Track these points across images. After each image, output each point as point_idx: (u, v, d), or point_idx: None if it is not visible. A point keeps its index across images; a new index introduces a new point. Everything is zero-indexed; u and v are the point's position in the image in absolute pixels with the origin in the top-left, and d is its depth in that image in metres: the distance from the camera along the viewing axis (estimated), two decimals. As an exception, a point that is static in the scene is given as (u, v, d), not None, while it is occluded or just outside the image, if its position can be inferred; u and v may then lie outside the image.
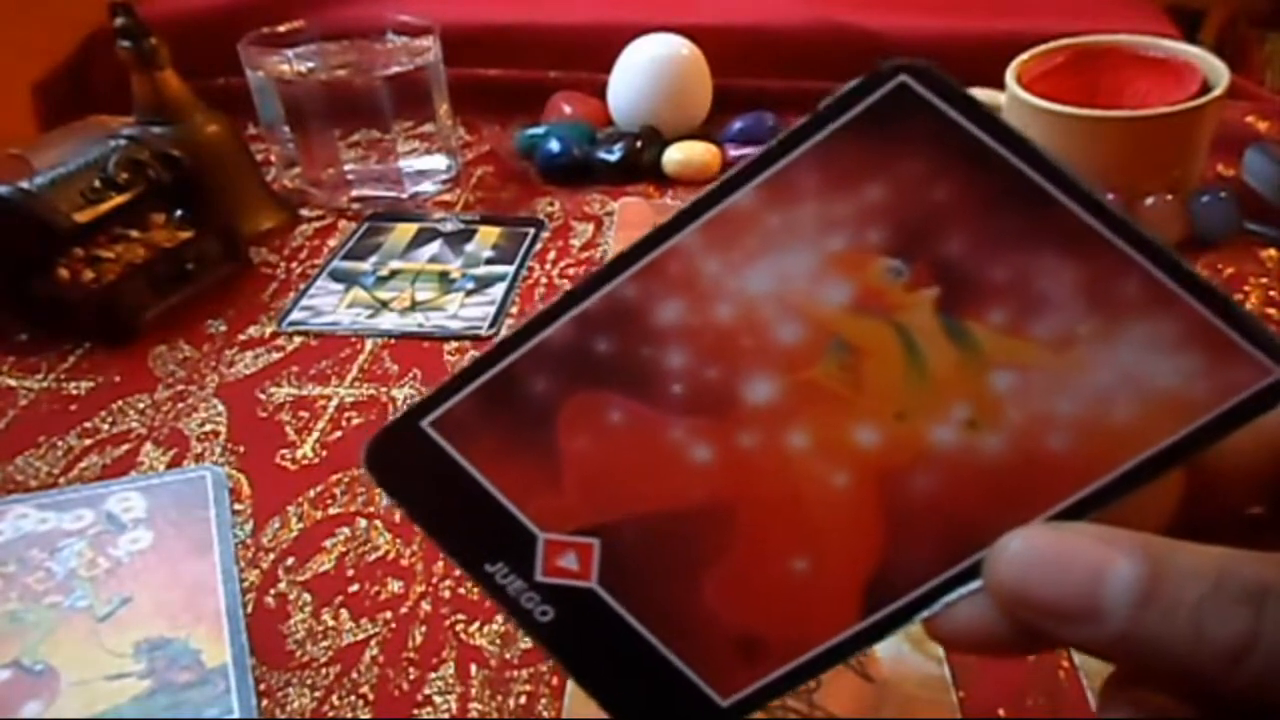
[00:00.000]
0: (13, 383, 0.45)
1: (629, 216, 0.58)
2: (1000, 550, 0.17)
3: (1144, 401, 0.17)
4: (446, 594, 0.34)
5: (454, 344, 0.47)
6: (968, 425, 0.18)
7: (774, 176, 0.19)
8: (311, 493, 0.38)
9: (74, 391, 0.44)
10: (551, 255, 0.55)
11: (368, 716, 0.30)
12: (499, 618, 0.33)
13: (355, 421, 0.42)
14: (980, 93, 0.58)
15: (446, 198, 0.62)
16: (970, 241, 0.18)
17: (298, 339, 0.48)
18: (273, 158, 0.63)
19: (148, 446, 0.41)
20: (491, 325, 0.48)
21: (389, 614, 0.33)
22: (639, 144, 0.62)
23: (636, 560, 0.19)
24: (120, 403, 0.43)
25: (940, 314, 0.18)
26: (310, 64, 0.59)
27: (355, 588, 0.34)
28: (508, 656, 0.31)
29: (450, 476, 0.19)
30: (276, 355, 0.47)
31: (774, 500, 0.19)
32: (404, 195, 0.61)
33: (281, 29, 0.60)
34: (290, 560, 0.35)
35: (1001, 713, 0.29)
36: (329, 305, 0.50)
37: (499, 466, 0.19)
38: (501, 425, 0.19)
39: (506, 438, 0.19)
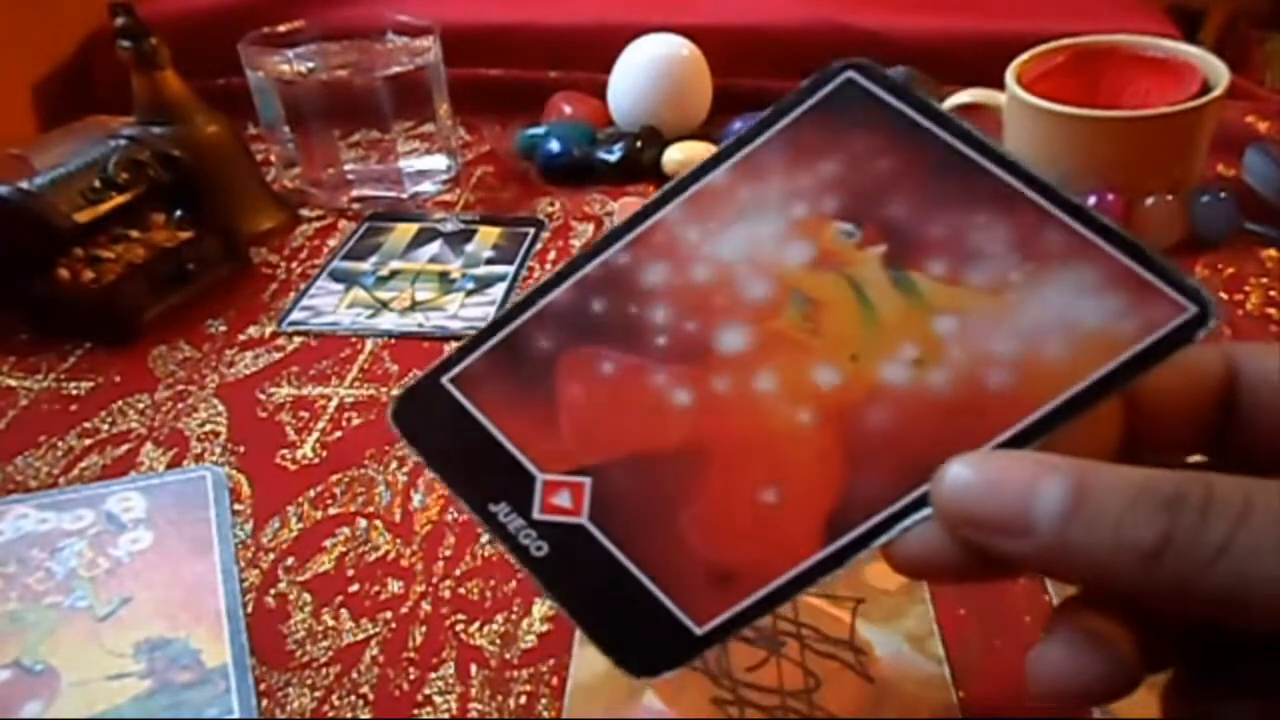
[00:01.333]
0: (13, 383, 0.45)
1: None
2: (943, 474, 0.18)
3: (1073, 340, 0.19)
4: (446, 594, 0.34)
5: (454, 344, 0.47)
6: (915, 364, 0.20)
7: (744, 158, 0.22)
8: (311, 493, 0.38)
9: (74, 391, 0.44)
10: (551, 255, 0.55)
11: (368, 716, 0.30)
12: (499, 617, 0.33)
13: (355, 421, 0.42)
14: (980, 93, 0.58)
15: (446, 198, 0.62)
16: (911, 205, 0.21)
17: (298, 339, 0.48)
18: (273, 158, 0.63)
19: (148, 446, 0.41)
20: (491, 325, 0.48)
21: (389, 614, 0.33)
22: (639, 144, 0.62)
23: (623, 497, 0.21)
24: (120, 403, 0.43)
25: (887, 268, 0.21)
26: (310, 64, 0.59)
27: (355, 588, 0.34)
28: (508, 656, 0.31)
29: (464, 426, 0.22)
30: (276, 355, 0.47)
31: (745, 438, 0.21)
32: (404, 195, 0.61)
33: (281, 29, 0.60)
34: (290, 560, 0.35)
35: (1001, 713, 0.29)
36: (329, 305, 0.50)
37: (506, 415, 0.22)
38: (509, 379, 0.22)
39: (513, 390, 0.22)
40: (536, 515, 0.21)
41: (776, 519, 0.20)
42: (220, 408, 0.43)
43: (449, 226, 0.58)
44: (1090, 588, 0.19)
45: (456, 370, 0.22)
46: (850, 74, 0.22)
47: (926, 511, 0.19)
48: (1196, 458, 0.22)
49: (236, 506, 0.37)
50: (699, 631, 0.20)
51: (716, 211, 0.22)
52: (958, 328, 0.20)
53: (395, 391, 0.21)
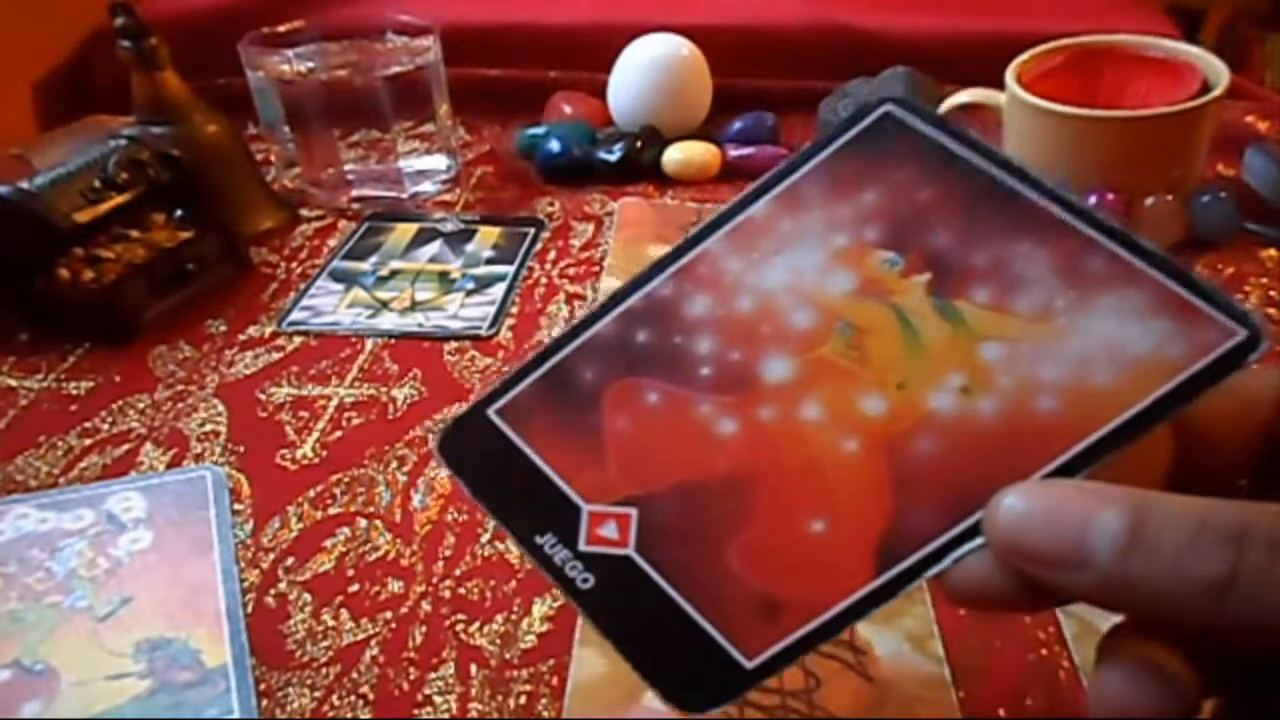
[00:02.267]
0: (13, 383, 0.45)
1: (629, 216, 0.58)
2: (996, 505, 0.18)
3: (1121, 366, 0.19)
4: (446, 594, 0.34)
5: (454, 344, 0.47)
6: (962, 392, 0.20)
7: (785, 190, 0.23)
8: (311, 493, 0.38)
9: (74, 391, 0.44)
10: (551, 255, 0.55)
11: (368, 716, 0.30)
12: (499, 617, 0.33)
13: (355, 421, 0.42)
14: (980, 93, 0.58)
15: (446, 198, 0.62)
16: (953, 234, 0.21)
17: (298, 339, 0.48)
18: (273, 158, 0.63)
19: (148, 446, 0.41)
20: (491, 325, 0.48)
21: (389, 614, 0.33)
22: (639, 144, 0.62)
23: (670, 528, 0.21)
24: (120, 403, 0.43)
25: (931, 295, 0.21)
26: (310, 64, 0.59)
27: (355, 588, 0.34)
28: (508, 656, 0.31)
29: (509, 458, 0.22)
30: (276, 355, 0.47)
31: (792, 468, 0.20)
32: (404, 195, 0.61)
33: (281, 29, 0.60)
34: (290, 560, 0.35)
35: (1001, 713, 0.29)
36: (329, 305, 0.50)
37: (552, 446, 0.22)
38: (555, 410, 0.22)
39: (559, 421, 0.22)
40: (583, 547, 0.21)
41: (826, 550, 0.20)
42: (220, 408, 0.43)
43: (449, 226, 0.58)
44: (1150, 620, 0.18)
45: (502, 402, 0.22)
46: (889, 108, 0.22)
47: (978, 541, 0.18)
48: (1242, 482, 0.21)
49: (236, 506, 0.38)
50: (749, 665, 0.19)
51: (758, 242, 0.22)
52: (1004, 355, 0.20)
53: (441, 424, 0.21)
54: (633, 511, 0.21)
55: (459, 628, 0.33)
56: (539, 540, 0.21)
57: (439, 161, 0.62)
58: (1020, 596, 0.18)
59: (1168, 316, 0.19)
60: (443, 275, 0.53)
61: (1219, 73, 0.52)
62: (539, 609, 0.33)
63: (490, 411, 0.22)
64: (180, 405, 0.43)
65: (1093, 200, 0.51)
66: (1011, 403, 0.19)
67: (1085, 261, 0.20)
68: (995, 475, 0.18)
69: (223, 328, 0.49)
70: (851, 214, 0.22)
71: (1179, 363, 0.18)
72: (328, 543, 0.36)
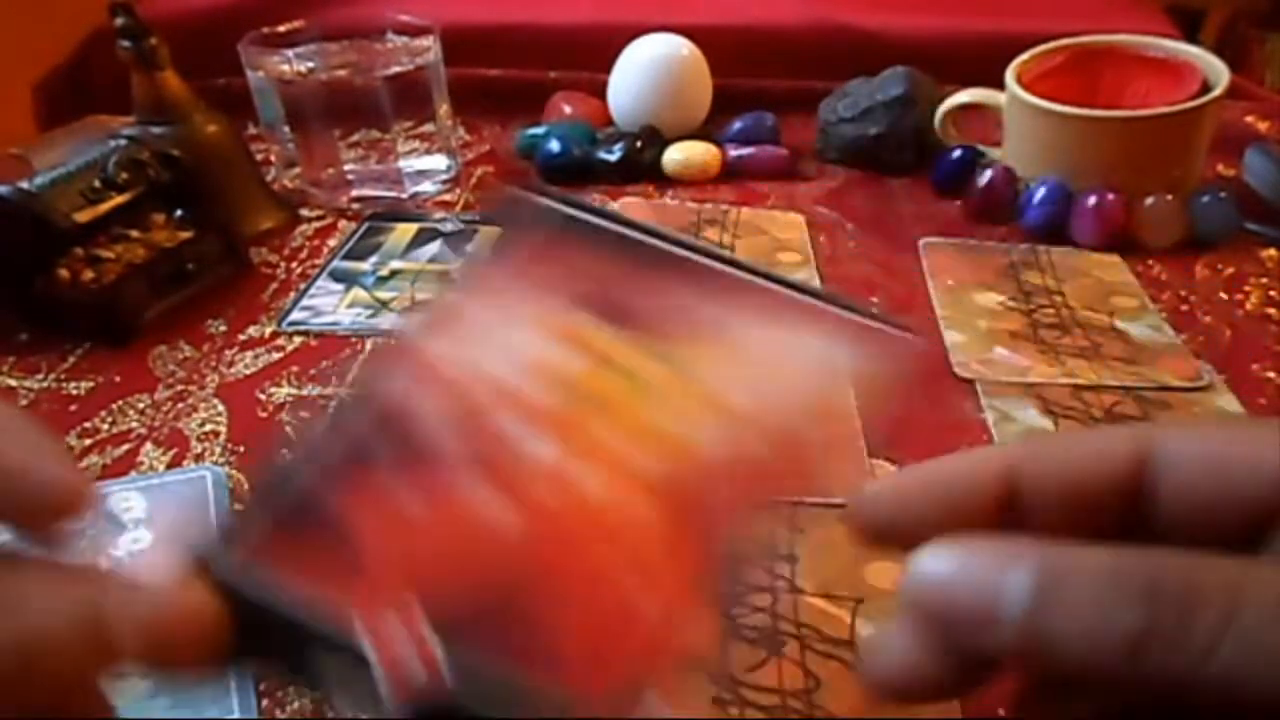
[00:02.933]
0: (13, 383, 0.45)
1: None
2: (914, 564, 0.18)
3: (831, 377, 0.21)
4: None
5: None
6: (716, 424, 0.21)
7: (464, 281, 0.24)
8: (311, 493, 0.38)
9: (74, 391, 0.44)
10: (551, 255, 0.55)
11: (368, 717, 0.30)
12: (499, 618, 0.33)
13: (355, 421, 0.42)
14: (980, 93, 0.58)
15: (446, 198, 0.62)
16: (634, 292, 0.22)
17: (298, 339, 0.48)
18: (273, 158, 0.63)
19: (148, 446, 0.41)
20: (491, 325, 0.48)
21: (389, 614, 0.33)
22: (639, 144, 0.62)
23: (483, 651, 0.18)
24: (120, 403, 0.43)
25: (640, 346, 0.22)
26: (310, 64, 0.59)
27: (355, 588, 0.34)
28: (508, 656, 0.31)
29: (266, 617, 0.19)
30: (276, 355, 0.47)
31: (591, 543, 0.19)
32: (404, 195, 0.61)
33: (281, 29, 0.60)
34: (290, 560, 0.35)
35: (1001, 713, 0.29)
36: (329, 305, 0.50)
37: (301, 580, 0.19)
38: (294, 541, 0.19)
39: (301, 551, 0.19)
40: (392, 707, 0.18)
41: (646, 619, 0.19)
42: (220, 408, 0.43)
43: (449, 226, 0.58)
44: (1065, 677, 0.18)
45: (231, 559, 0.20)
46: (512, 191, 0.25)
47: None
48: None
49: (237, 506, 0.37)
50: None
51: (462, 332, 0.22)
52: (722, 378, 0.21)
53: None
54: (439, 651, 0.18)
55: (459, 628, 0.32)
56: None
57: (439, 161, 0.62)
58: (945, 677, 0.18)
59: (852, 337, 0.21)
60: (443, 276, 0.53)
61: (1219, 73, 0.52)
62: (539, 609, 0.33)
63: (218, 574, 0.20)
64: (180, 405, 0.43)
65: (1092, 200, 0.51)
66: (757, 422, 0.20)
67: (748, 299, 0.22)
68: (773, 486, 0.20)
69: (223, 328, 0.49)
70: (537, 290, 0.22)
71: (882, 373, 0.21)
72: (328, 543, 0.36)
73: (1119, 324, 0.47)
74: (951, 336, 0.46)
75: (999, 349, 0.45)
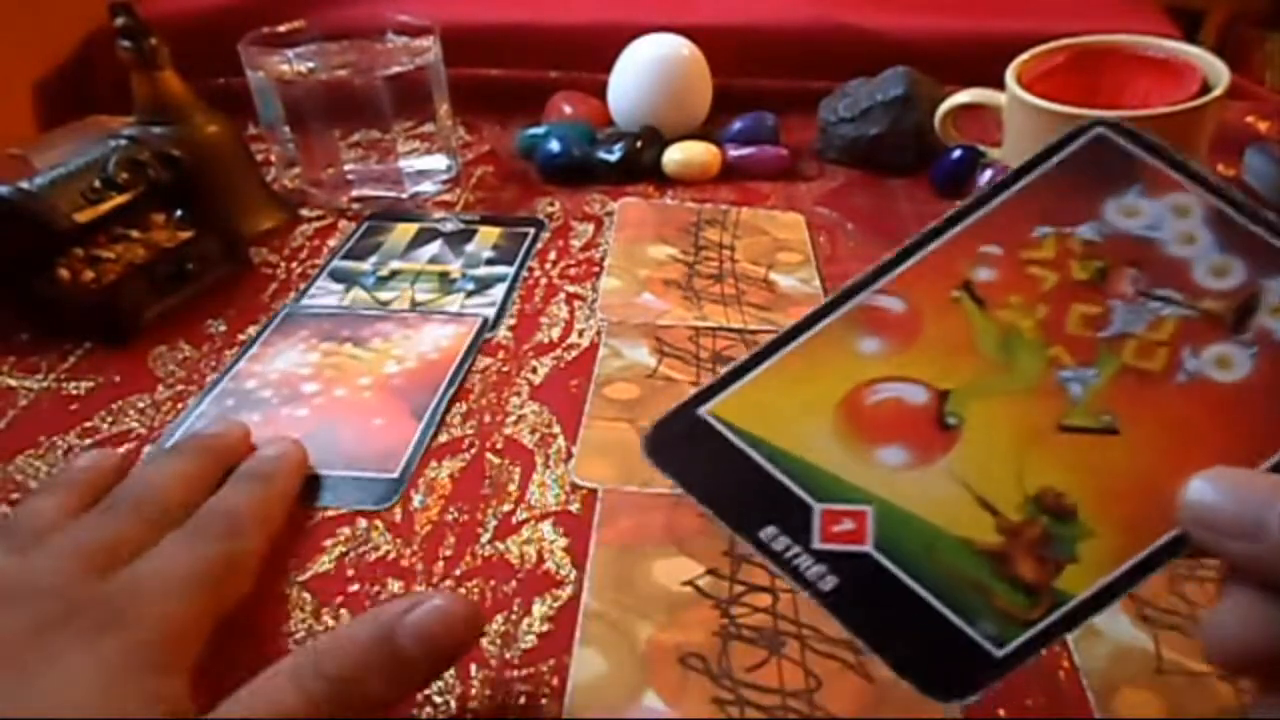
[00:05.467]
0: (13, 383, 0.45)
1: (629, 217, 0.58)
2: (1189, 483, 0.20)
3: None
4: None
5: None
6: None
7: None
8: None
9: (74, 391, 0.44)
10: (552, 255, 0.55)
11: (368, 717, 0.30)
12: (499, 617, 0.33)
13: (355, 421, 0.42)
14: (980, 93, 0.58)
15: (446, 198, 0.62)
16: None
17: (298, 339, 0.48)
18: (273, 158, 0.63)
19: (148, 447, 0.41)
20: (492, 326, 0.48)
21: (389, 614, 0.33)
22: (639, 144, 0.62)
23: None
24: (120, 403, 0.43)
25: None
26: (310, 64, 0.59)
27: (355, 588, 0.34)
28: (508, 656, 0.31)
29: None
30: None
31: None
32: (404, 195, 0.61)
33: (281, 29, 0.60)
34: (290, 560, 0.35)
35: (1001, 713, 0.29)
36: (329, 305, 0.50)
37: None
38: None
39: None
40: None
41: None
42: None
43: (449, 226, 0.58)
44: None
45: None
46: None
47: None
48: None
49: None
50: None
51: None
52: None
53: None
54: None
55: (459, 628, 0.33)
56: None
57: (439, 161, 0.62)
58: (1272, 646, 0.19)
59: None
60: (443, 275, 0.53)
61: (1219, 73, 0.52)
62: (539, 609, 0.33)
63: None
64: (180, 405, 0.43)
65: None
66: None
67: None
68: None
69: (223, 328, 0.49)
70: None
71: None
72: (328, 543, 0.36)
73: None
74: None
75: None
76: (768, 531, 0.21)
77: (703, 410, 0.23)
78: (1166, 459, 0.21)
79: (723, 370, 0.23)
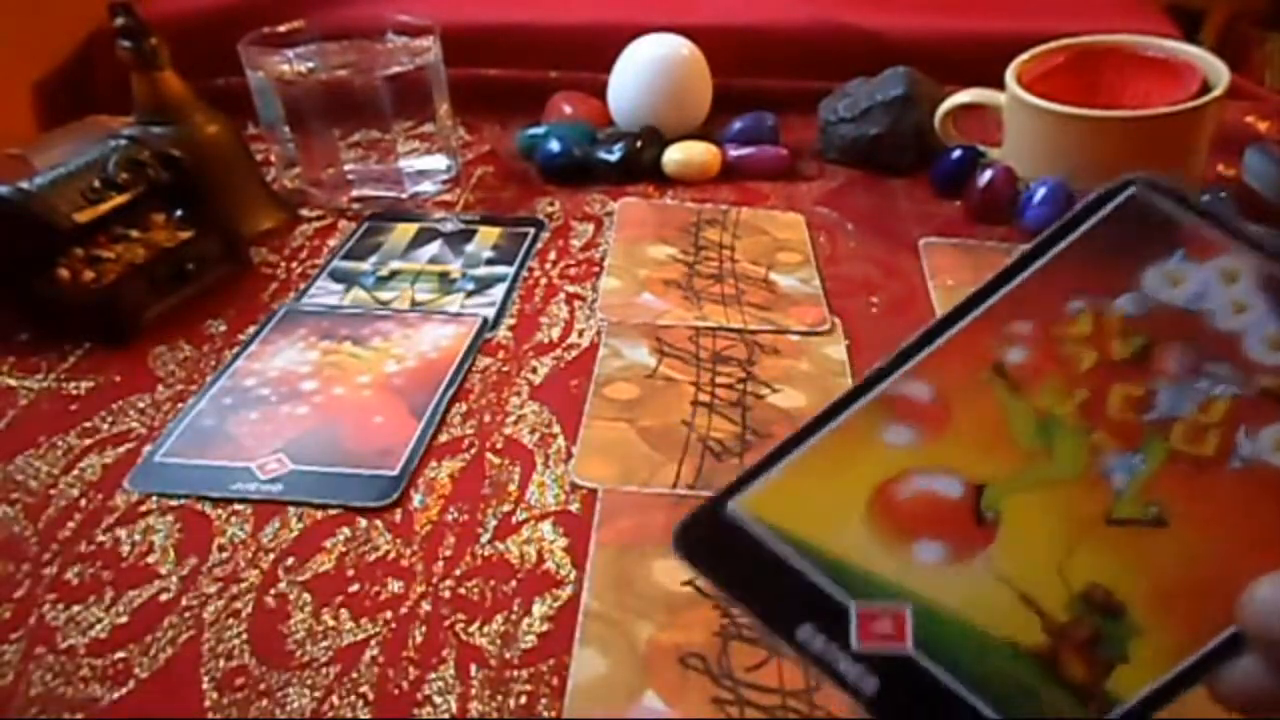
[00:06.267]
0: (13, 383, 0.45)
1: (629, 216, 0.58)
2: (1251, 593, 0.19)
3: None
4: (446, 594, 0.34)
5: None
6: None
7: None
8: (311, 493, 0.38)
9: (74, 391, 0.44)
10: (552, 255, 0.55)
11: (367, 717, 0.30)
12: (499, 617, 0.33)
13: (355, 421, 0.42)
14: (980, 93, 0.58)
15: (446, 198, 0.62)
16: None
17: (298, 339, 0.48)
18: (273, 158, 0.63)
19: (148, 447, 0.41)
20: (492, 326, 0.48)
21: (389, 614, 0.33)
22: (639, 144, 0.62)
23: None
24: (120, 403, 0.43)
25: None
26: (310, 64, 0.59)
27: (355, 588, 0.34)
28: (508, 656, 0.31)
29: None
30: (276, 355, 0.47)
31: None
32: (404, 195, 0.61)
33: (281, 29, 0.60)
34: (290, 560, 0.35)
35: (1001, 713, 0.29)
36: (329, 305, 0.50)
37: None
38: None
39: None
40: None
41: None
42: (220, 408, 0.43)
43: (449, 226, 0.58)
44: None
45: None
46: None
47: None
48: None
49: (236, 506, 0.37)
50: None
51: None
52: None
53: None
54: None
55: (459, 628, 0.33)
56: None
57: (439, 161, 0.62)
58: None
59: None
60: (443, 275, 0.53)
61: (1219, 73, 0.52)
62: (539, 609, 0.33)
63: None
64: (180, 405, 0.43)
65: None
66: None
67: None
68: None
69: (223, 328, 0.49)
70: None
71: None
72: (328, 543, 0.36)
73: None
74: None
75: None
76: (804, 631, 0.20)
77: (731, 505, 0.22)
78: (1221, 552, 0.20)
79: (750, 464, 0.22)
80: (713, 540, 0.21)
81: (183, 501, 0.38)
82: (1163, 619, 0.20)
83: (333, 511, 0.37)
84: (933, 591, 0.20)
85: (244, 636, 0.32)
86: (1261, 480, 0.20)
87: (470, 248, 0.55)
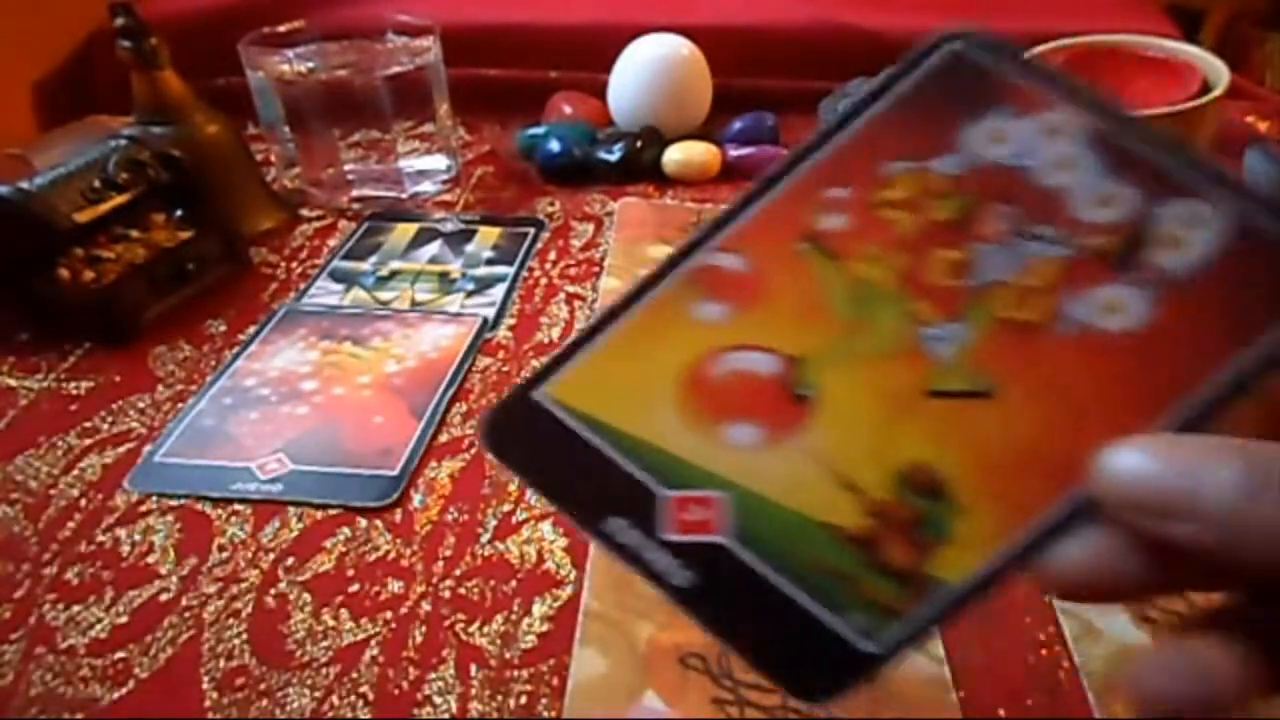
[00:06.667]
0: (13, 383, 0.45)
1: (629, 216, 0.58)
2: (1107, 459, 0.17)
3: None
4: (446, 594, 0.34)
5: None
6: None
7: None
8: (311, 493, 0.38)
9: (74, 391, 0.44)
10: (552, 255, 0.55)
11: (368, 717, 0.30)
12: (499, 617, 0.33)
13: (355, 421, 0.42)
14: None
15: (446, 198, 0.62)
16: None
17: (298, 339, 0.48)
18: (273, 158, 0.63)
19: (148, 447, 0.41)
20: (492, 326, 0.48)
21: (389, 614, 0.33)
22: (639, 144, 0.62)
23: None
24: (120, 403, 0.43)
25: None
26: (310, 64, 0.59)
27: (355, 588, 0.34)
28: (508, 656, 0.31)
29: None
30: (276, 355, 0.47)
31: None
32: (404, 195, 0.61)
33: (281, 29, 0.60)
34: (290, 560, 0.35)
35: (1002, 713, 0.29)
36: (329, 305, 0.50)
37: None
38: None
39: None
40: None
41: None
42: (220, 408, 0.43)
43: (449, 226, 0.58)
44: (1268, 577, 0.17)
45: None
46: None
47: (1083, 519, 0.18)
48: None
49: (236, 506, 0.37)
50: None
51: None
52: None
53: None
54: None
55: (459, 628, 0.33)
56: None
57: (439, 161, 0.62)
58: (1132, 578, 0.17)
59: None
60: (443, 275, 0.53)
61: (1219, 73, 0.52)
62: (539, 609, 0.33)
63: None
64: (180, 405, 0.43)
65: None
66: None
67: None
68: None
69: (223, 328, 0.49)
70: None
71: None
72: (328, 543, 0.36)
73: None
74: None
75: None
76: (613, 524, 0.19)
77: (538, 393, 0.20)
78: (1052, 422, 0.19)
79: (557, 350, 0.21)
80: (520, 431, 0.20)
81: (183, 501, 0.38)
82: (988, 496, 0.19)
83: (333, 511, 0.37)
84: (747, 476, 0.19)
85: (244, 636, 0.32)
86: (1091, 345, 0.19)
87: (470, 248, 0.55)
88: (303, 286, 0.52)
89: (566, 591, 0.34)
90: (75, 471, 0.40)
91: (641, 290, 0.21)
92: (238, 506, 0.38)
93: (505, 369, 0.45)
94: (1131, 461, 0.17)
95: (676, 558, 0.19)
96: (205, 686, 0.31)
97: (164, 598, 0.34)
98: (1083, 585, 0.18)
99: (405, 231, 0.57)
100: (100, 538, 0.36)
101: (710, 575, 0.19)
